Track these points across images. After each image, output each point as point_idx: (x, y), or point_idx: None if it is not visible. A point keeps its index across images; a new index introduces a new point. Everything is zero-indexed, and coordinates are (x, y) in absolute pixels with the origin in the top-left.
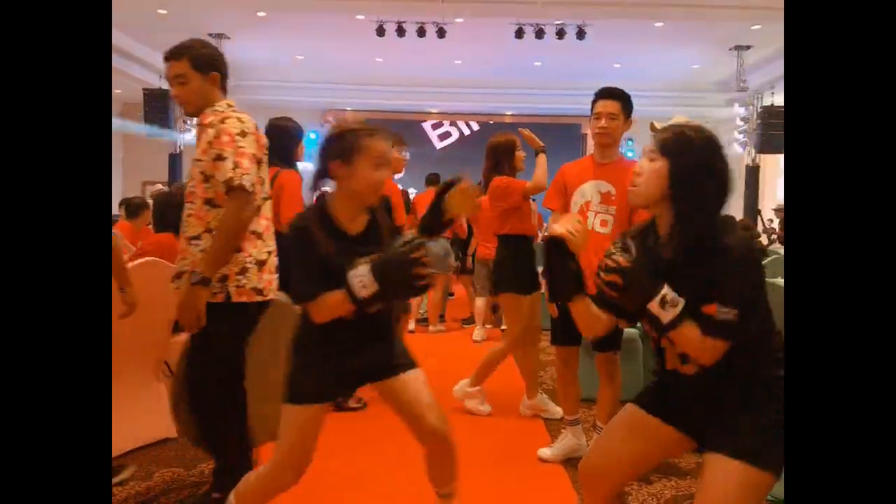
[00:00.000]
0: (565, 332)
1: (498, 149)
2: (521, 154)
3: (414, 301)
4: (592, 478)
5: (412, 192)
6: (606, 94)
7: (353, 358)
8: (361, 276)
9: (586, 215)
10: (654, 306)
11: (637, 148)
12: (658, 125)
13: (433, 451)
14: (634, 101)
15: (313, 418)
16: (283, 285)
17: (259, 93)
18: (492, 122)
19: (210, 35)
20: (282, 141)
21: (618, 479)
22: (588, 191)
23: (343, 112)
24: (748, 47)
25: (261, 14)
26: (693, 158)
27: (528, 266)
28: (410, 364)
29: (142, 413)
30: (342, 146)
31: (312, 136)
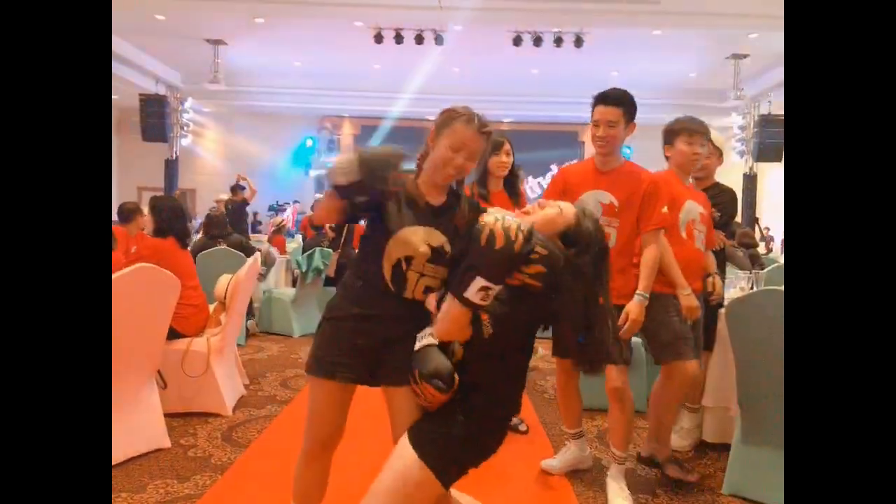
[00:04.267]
0: None
1: None
2: None
3: None
4: None
5: None
6: (605, 99)
7: (368, 347)
8: (343, 164)
9: None
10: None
11: (635, 157)
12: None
13: None
14: None
15: (329, 393)
16: None
17: (256, 98)
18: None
19: (207, 41)
20: None
21: None
22: (588, 201)
23: (340, 119)
24: (745, 56)
25: (258, 20)
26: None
27: None
28: (405, 380)
29: (134, 423)
30: (441, 120)
31: (309, 142)
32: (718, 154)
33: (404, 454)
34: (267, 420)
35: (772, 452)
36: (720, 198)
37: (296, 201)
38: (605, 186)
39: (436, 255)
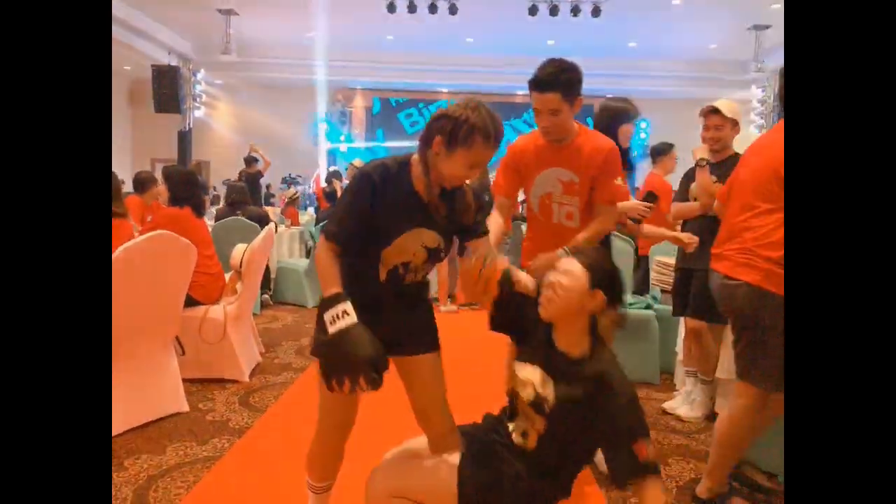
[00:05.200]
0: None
1: None
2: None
3: None
4: None
5: None
6: (538, 85)
7: (379, 323)
8: (338, 315)
9: (550, 208)
10: None
11: (651, 130)
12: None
13: (433, 442)
14: (650, 80)
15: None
16: None
17: (267, 70)
18: (503, 102)
19: (219, 11)
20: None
21: None
22: (549, 180)
23: (352, 91)
24: (767, 27)
25: None
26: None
27: None
28: (429, 346)
29: (154, 388)
30: (454, 129)
31: (323, 124)
32: (733, 124)
33: (445, 477)
34: (283, 386)
35: (781, 423)
36: None
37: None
38: (563, 163)
39: (432, 255)
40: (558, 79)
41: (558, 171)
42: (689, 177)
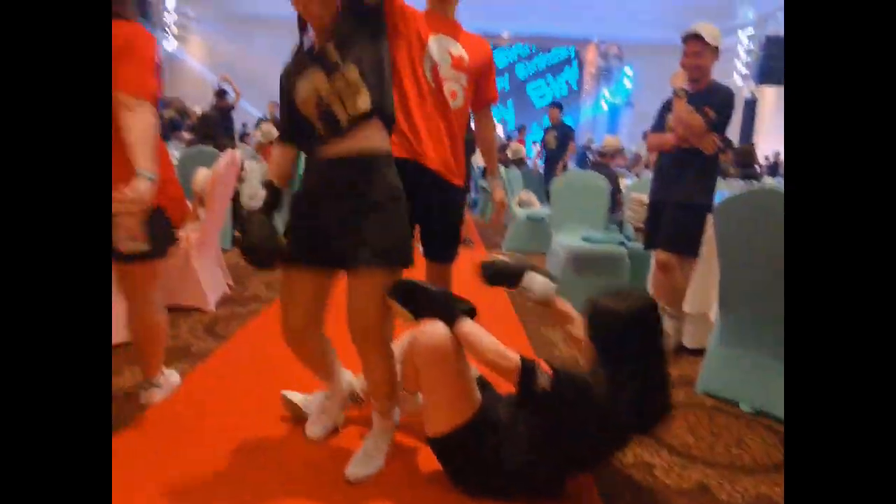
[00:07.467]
0: None
1: None
2: None
3: None
4: None
5: None
6: None
7: (321, 223)
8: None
9: (442, 83)
10: None
11: (634, 76)
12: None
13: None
14: (632, 26)
15: (294, 277)
16: None
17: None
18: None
19: None
20: None
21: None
22: (432, 47)
23: None
24: None
25: None
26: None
27: None
28: (368, 260)
29: (112, 311)
30: None
31: None
32: (714, 51)
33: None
34: (250, 316)
35: (745, 354)
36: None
37: None
38: (452, 34)
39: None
40: None
41: (446, 39)
42: (666, 107)
